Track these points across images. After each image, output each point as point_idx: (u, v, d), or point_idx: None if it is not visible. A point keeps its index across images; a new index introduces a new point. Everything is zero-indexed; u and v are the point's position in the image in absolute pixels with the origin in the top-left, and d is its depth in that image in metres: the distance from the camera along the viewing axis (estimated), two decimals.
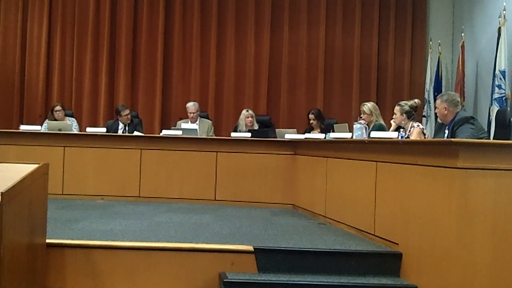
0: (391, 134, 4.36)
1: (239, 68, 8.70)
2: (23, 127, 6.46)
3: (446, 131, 4.61)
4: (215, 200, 6.13)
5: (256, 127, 7.19)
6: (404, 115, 5.38)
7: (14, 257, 2.90)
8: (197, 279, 3.53)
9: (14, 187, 2.83)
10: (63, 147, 6.19)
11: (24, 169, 3.13)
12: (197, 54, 8.66)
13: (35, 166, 3.22)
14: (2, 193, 2.72)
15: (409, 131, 5.28)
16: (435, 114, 7.38)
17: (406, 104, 5.47)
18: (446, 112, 4.62)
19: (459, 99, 4.73)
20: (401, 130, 5.21)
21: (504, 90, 6.31)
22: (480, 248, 3.03)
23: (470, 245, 3.04)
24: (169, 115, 8.56)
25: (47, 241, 3.47)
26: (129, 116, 7.15)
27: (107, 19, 8.59)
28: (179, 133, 6.35)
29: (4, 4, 8.60)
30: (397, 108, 5.45)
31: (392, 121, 5.54)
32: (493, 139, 5.10)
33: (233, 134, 6.52)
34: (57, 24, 8.64)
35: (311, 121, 7.03)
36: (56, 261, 3.53)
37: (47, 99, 8.53)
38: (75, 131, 6.90)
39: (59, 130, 6.38)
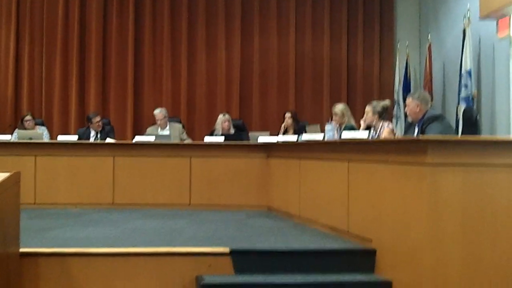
0: (362, 134, 4.43)
1: (210, 73, 8.73)
2: None
3: (416, 129, 4.71)
4: (190, 205, 6.13)
5: (232, 131, 7.20)
6: (376, 114, 5.47)
7: None
8: (175, 283, 3.52)
9: None
10: (34, 156, 6.12)
11: None
12: (168, 60, 8.66)
13: (6, 174, 3.19)
14: None
15: (380, 130, 5.38)
16: (405, 114, 7.56)
17: (378, 104, 5.56)
18: (417, 109, 4.71)
19: (429, 98, 4.84)
20: (372, 129, 5.30)
21: (471, 89, 6.46)
22: (450, 242, 3.10)
23: (441, 239, 3.10)
24: (141, 122, 8.53)
25: (21, 250, 3.43)
26: (100, 123, 7.11)
27: (76, 26, 8.54)
28: (151, 139, 6.34)
29: None
30: (368, 108, 5.53)
31: (362, 121, 5.61)
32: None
33: (207, 138, 6.53)
34: (25, 32, 8.55)
35: (286, 119, 7.02)
36: (31, 270, 3.48)
37: (17, 108, 8.43)
38: (46, 139, 6.82)
39: (30, 139, 6.30)
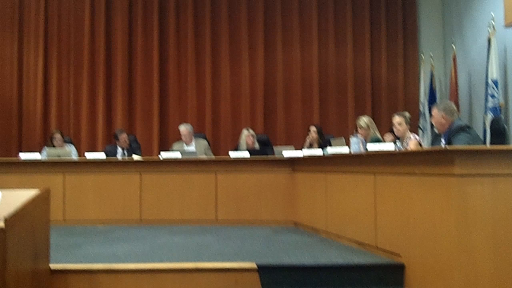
0: (387, 146, 4.39)
1: (235, 88, 8.78)
2: (22, 155, 6.48)
3: (443, 141, 4.65)
4: (216, 220, 6.14)
5: (257, 146, 7.21)
6: (407, 125, 5.45)
7: (19, 283, 2.90)
8: None
9: (16, 213, 2.86)
10: (62, 174, 6.22)
11: (25, 195, 3.16)
12: (193, 76, 8.74)
13: (37, 191, 3.25)
14: (5, 218, 2.75)
15: (406, 142, 5.32)
16: (431, 125, 7.48)
17: (406, 115, 5.53)
18: (443, 121, 4.66)
19: (455, 108, 4.78)
20: (397, 141, 5.25)
21: (497, 98, 6.37)
22: (481, 254, 3.04)
23: (471, 252, 3.05)
24: (167, 137, 8.61)
25: (51, 266, 3.47)
26: (126, 140, 7.20)
27: (102, 45, 8.70)
28: (178, 155, 6.38)
29: (0, 34, 8.70)
30: (400, 119, 5.47)
31: (395, 131, 5.52)
32: None
33: (232, 154, 6.55)
34: (53, 53, 8.74)
35: (311, 133, 7.00)
36: (60, 286, 3.53)
37: (45, 127, 8.59)
38: (74, 157, 6.93)
39: (58, 156, 6.40)
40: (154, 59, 8.71)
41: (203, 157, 6.73)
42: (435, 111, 4.76)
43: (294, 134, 8.58)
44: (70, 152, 6.89)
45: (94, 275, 3.56)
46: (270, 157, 6.40)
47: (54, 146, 7.11)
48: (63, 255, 3.97)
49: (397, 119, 5.48)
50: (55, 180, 6.13)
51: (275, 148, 6.76)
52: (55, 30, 8.76)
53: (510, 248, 3.03)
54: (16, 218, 2.85)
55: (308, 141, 7.02)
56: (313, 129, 7.06)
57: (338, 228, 4.82)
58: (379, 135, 6.06)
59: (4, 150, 8.04)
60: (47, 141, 7.71)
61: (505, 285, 3.02)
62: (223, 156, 6.86)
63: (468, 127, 4.52)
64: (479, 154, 3.12)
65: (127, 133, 7.42)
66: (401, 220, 3.68)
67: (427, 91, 8.32)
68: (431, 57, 8.43)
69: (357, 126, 6.12)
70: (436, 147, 4.33)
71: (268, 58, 8.82)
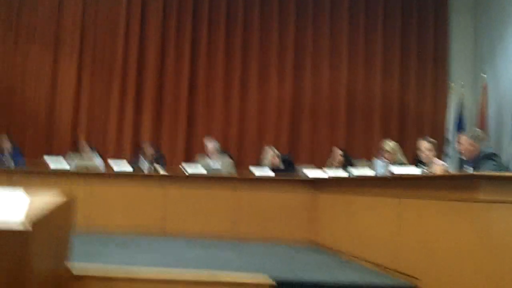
0: (413, 170, 4.37)
1: (262, 107, 8.85)
2: (47, 158, 6.55)
3: (470, 168, 4.61)
4: (237, 237, 6.14)
5: (281, 165, 7.22)
6: (434, 152, 5.42)
7: (41, 287, 2.95)
8: None
9: (43, 218, 2.91)
10: (90, 186, 6.31)
11: (52, 200, 3.22)
12: (221, 93, 8.85)
13: (63, 199, 3.31)
14: (32, 222, 2.80)
15: (431, 167, 5.28)
16: (459, 153, 7.41)
17: (433, 141, 5.51)
18: (471, 148, 4.63)
19: (483, 136, 4.75)
20: (423, 166, 5.21)
21: None
22: (506, 284, 2.99)
23: (495, 281, 2.99)
24: (192, 151, 8.67)
25: (72, 272, 3.51)
26: (152, 153, 7.28)
27: (134, 57, 8.89)
28: (203, 171, 6.43)
29: (38, 42, 8.92)
30: (429, 145, 5.43)
31: (423, 156, 5.48)
32: None
33: (255, 169, 6.54)
34: (87, 62, 8.96)
35: (338, 156, 6.97)
36: None
37: (75, 134, 8.75)
38: (101, 168, 7.02)
39: (86, 168, 6.51)
40: (184, 73, 8.85)
41: (227, 174, 6.76)
42: (463, 138, 4.73)
43: (319, 155, 8.57)
44: (98, 165, 7.00)
45: (113, 282, 3.59)
46: (294, 175, 6.40)
47: (81, 155, 7.21)
48: (85, 262, 4.00)
49: (426, 145, 5.45)
50: (81, 190, 6.22)
51: (299, 168, 6.77)
52: (91, 42, 8.98)
53: None
54: (41, 222, 2.90)
55: (332, 162, 6.99)
56: (339, 152, 7.03)
57: (359, 250, 4.78)
58: (405, 161, 6.02)
59: (34, 155, 8.18)
60: (75, 148, 7.83)
61: None
62: (246, 174, 6.88)
63: (495, 155, 4.48)
64: (504, 181, 3.08)
65: (153, 147, 7.50)
66: (423, 244, 3.64)
67: (456, 119, 8.25)
68: (462, 85, 8.36)
69: (383, 150, 6.09)
70: (462, 172, 4.28)
71: (297, 79, 8.88)
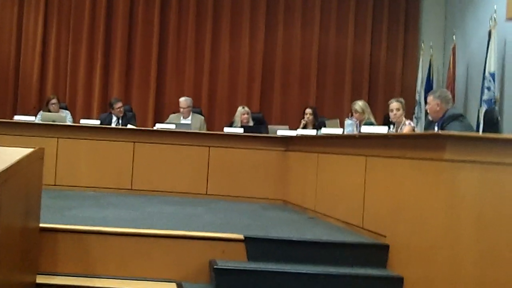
0: (381, 129, 4.43)
1: (233, 65, 8.78)
2: (17, 118, 6.47)
3: (436, 128, 4.70)
4: (206, 194, 6.17)
5: (251, 124, 7.25)
6: (404, 111, 5.51)
7: (9, 238, 2.93)
8: (188, 266, 3.58)
9: (10, 168, 2.87)
10: (56, 138, 6.21)
11: (20, 152, 3.18)
12: (192, 50, 8.73)
13: (31, 149, 3.27)
14: None
15: (401, 128, 5.37)
16: (425, 113, 7.53)
17: (402, 101, 5.58)
18: (438, 108, 4.70)
19: (450, 97, 4.82)
20: (391, 126, 5.30)
21: (494, 92, 6.41)
22: (466, 240, 3.09)
23: (456, 237, 3.09)
24: (163, 110, 8.61)
25: (41, 225, 3.50)
26: (121, 109, 7.20)
27: (102, 13, 8.64)
28: (172, 127, 6.40)
29: None
30: (397, 104, 5.52)
31: (392, 116, 5.57)
32: None
33: (227, 130, 6.58)
34: (53, 18, 8.67)
35: (307, 116, 7.03)
36: (49, 245, 3.56)
37: (42, 92, 8.56)
38: (69, 123, 6.93)
39: (53, 121, 6.41)
40: (154, 29, 8.68)
41: (197, 130, 6.76)
42: (430, 98, 4.80)
43: (290, 114, 8.60)
44: (65, 117, 6.90)
45: (83, 235, 3.60)
46: (263, 135, 6.43)
47: (50, 111, 7.10)
48: (53, 216, 3.99)
49: (395, 105, 5.54)
50: (48, 144, 6.07)
51: (270, 127, 6.80)
52: None
53: (494, 234, 3.08)
54: (9, 174, 2.87)
55: (303, 122, 7.05)
56: (308, 111, 7.10)
57: (327, 208, 4.88)
58: (373, 120, 6.10)
59: (0, 113, 8.01)
60: (42, 105, 7.69)
61: (487, 270, 3.08)
62: (217, 132, 6.89)
63: (462, 115, 4.57)
64: (470, 141, 3.16)
65: (122, 103, 7.41)
66: (389, 202, 3.73)
67: (425, 80, 8.34)
68: (431, 46, 8.44)
69: (352, 110, 6.16)
70: (429, 132, 4.37)
71: (268, 36, 8.81)
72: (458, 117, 4.49)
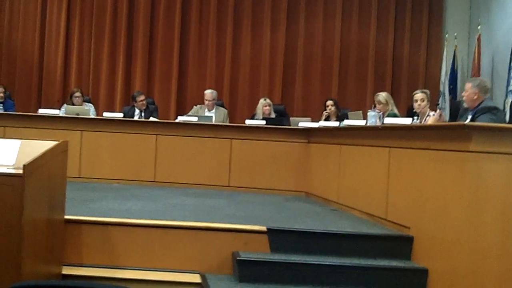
0: (404, 121, 4.38)
1: (254, 57, 8.76)
2: (42, 111, 6.56)
3: (469, 117, 4.60)
4: (229, 186, 6.19)
5: (273, 115, 7.23)
6: (429, 103, 5.43)
7: (34, 230, 2.98)
8: (211, 257, 3.59)
9: (35, 161, 2.92)
10: (80, 131, 6.28)
11: (44, 145, 3.22)
12: (213, 42, 8.73)
13: (55, 142, 3.31)
14: (24, 165, 2.81)
15: (425, 119, 5.30)
16: (450, 105, 7.44)
17: (427, 92, 5.51)
18: (475, 97, 4.61)
19: (489, 87, 4.71)
20: (415, 117, 5.23)
21: None
22: (490, 233, 3.05)
23: (480, 229, 3.06)
24: (185, 103, 8.64)
25: (66, 217, 3.55)
26: (144, 102, 7.24)
27: (125, 6, 8.68)
28: (194, 119, 6.42)
29: None
30: (422, 95, 5.44)
31: (416, 106, 5.49)
32: None
33: (248, 122, 6.57)
34: (75, 11, 8.74)
35: (328, 108, 6.96)
36: (74, 237, 3.61)
37: (65, 85, 8.65)
38: (93, 116, 7.00)
39: (77, 114, 6.47)
40: (176, 22, 8.69)
41: (219, 122, 6.77)
42: (469, 86, 4.69)
43: (312, 106, 8.56)
44: (89, 110, 6.97)
45: (107, 227, 3.64)
46: (285, 126, 6.42)
47: (73, 104, 7.18)
48: (78, 208, 4.04)
49: (419, 95, 5.46)
50: (72, 137, 6.15)
51: (292, 119, 6.78)
52: None
53: None
54: (34, 167, 2.91)
55: (325, 114, 7.00)
56: (330, 102, 7.03)
57: (350, 200, 4.85)
58: (397, 111, 6.04)
59: (24, 107, 8.11)
60: (66, 99, 7.78)
61: (511, 264, 3.03)
62: (239, 124, 6.88)
63: (496, 108, 4.47)
64: (496, 132, 3.11)
65: (145, 96, 7.46)
66: (413, 193, 3.69)
67: (449, 71, 8.22)
68: (456, 37, 8.31)
69: (375, 101, 6.09)
70: (454, 123, 4.30)
71: (290, 28, 8.76)
72: (492, 110, 4.39)
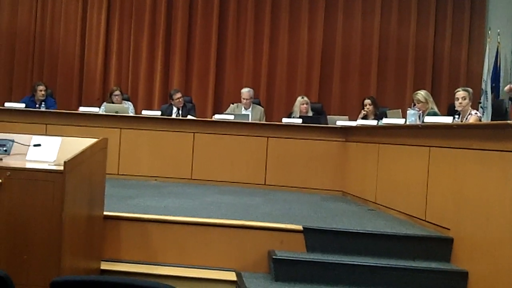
0: (445, 119, 4.29)
1: (292, 55, 8.72)
2: (82, 109, 6.69)
3: None
4: (265, 184, 6.19)
5: (310, 114, 7.19)
6: (470, 101, 5.30)
7: (74, 225, 3.04)
8: (247, 255, 3.60)
9: (76, 158, 2.97)
10: (119, 129, 6.38)
11: (85, 143, 3.28)
12: (251, 40, 8.73)
13: (95, 140, 3.36)
14: (65, 162, 2.87)
15: (466, 118, 5.18)
16: (492, 104, 7.25)
17: (470, 90, 5.38)
18: None
19: None
20: (456, 116, 5.11)
21: None
22: None
23: None
24: (221, 101, 8.68)
25: (104, 213, 3.61)
26: (181, 100, 7.29)
27: (163, 6, 8.77)
28: (231, 117, 6.44)
29: None
30: (464, 93, 5.31)
31: (457, 105, 5.37)
32: None
33: (285, 120, 6.55)
34: (115, 11, 8.89)
35: (366, 107, 6.88)
36: (112, 233, 3.67)
37: (105, 83, 8.81)
38: (131, 114, 7.09)
39: (116, 112, 6.57)
40: (214, 21, 8.74)
41: (256, 121, 6.76)
42: None
43: (349, 105, 8.47)
44: (128, 108, 7.06)
45: (145, 224, 3.68)
46: (323, 125, 6.37)
47: (113, 102, 7.30)
48: (116, 204, 4.10)
49: (461, 93, 5.33)
50: (111, 135, 6.25)
51: (329, 118, 6.72)
52: None
53: None
54: (75, 163, 2.97)
55: (363, 113, 6.91)
56: (368, 101, 6.93)
57: (388, 200, 4.78)
58: (437, 110, 5.91)
59: (66, 104, 8.28)
60: (106, 97, 7.92)
61: None
62: (275, 122, 6.87)
63: None
64: None
65: (182, 94, 7.52)
66: (454, 194, 3.61)
67: (491, 69, 8.01)
68: (499, 33, 8.08)
69: (414, 100, 5.97)
70: (497, 122, 4.18)
71: (328, 25, 8.69)
72: None
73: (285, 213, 4.33)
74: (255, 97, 7.79)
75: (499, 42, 8.02)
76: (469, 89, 5.43)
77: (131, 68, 8.83)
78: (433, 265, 3.48)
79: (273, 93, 8.72)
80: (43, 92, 7.24)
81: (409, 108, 5.18)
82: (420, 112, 5.69)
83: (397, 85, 8.59)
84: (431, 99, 5.93)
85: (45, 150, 3.36)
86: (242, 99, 7.26)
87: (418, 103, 5.89)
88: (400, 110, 5.54)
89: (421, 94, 5.94)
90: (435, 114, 5.60)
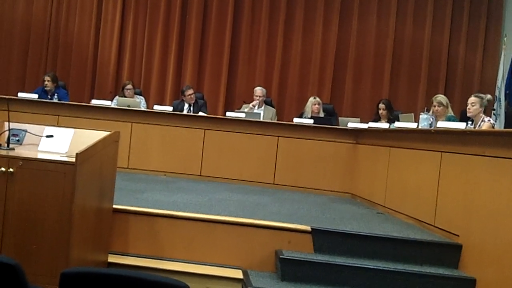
0: (458, 125, 4.26)
1: (305, 55, 8.69)
2: (94, 102, 6.71)
3: None
4: (274, 183, 6.19)
5: (322, 115, 7.17)
6: (482, 108, 5.23)
7: (83, 217, 3.05)
8: (254, 254, 3.60)
9: (87, 150, 2.99)
10: (130, 123, 6.39)
11: (97, 135, 3.29)
12: (264, 40, 8.71)
13: (107, 133, 3.38)
14: (77, 154, 2.88)
15: (479, 124, 5.13)
16: (505, 111, 7.19)
17: (485, 97, 5.30)
18: None
19: None
20: (469, 122, 5.07)
21: None
22: None
23: None
24: (233, 99, 8.67)
25: (114, 206, 3.62)
26: (192, 96, 7.30)
27: (178, 2, 8.78)
28: (242, 115, 6.44)
29: None
30: (476, 99, 5.25)
31: (467, 111, 5.31)
32: None
33: (296, 120, 6.54)
34: (130, 5, 8.90)
35: (380, 111, 6.83)
36: (121, 226, 3.68)
37: (118, 77, 8.83)
38: (143, 108, 7.11)
39: (128, 106, 6.59)
40: (228, 18, 8.73)
41: (267, 120, 6.76)
42: None
43: (361, 107, 8.44)
44: (140, 103, 7.08)
45: (153, 218, 3.69)
46: (334, 126, 6.35)
47: (125, 96, 7.32)
48: (125, 198, 4.11)
49: (471, 99, 5.27)
50: (122, 128, 6.27)
51: (341, 119, 6.71)
52: None
53: None
54: (86, 155, 2.98)
55: (376, 116, 6.86)
56: (381, 106, 6.86)
57: (397, 204, 4.76)
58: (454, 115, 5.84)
59: (78, 97, 8.32)
60: (118, 91, 7.95)
61: None
62: (286, 122, 6.86)
63: None
64: None
65: (194, 90, 7.53)
66: (464, 200, 3.59)
67: (506, 76, 7.94)
68: None
69: (435, 102, 5.80)
70: (510, 130, 4.15)
71: (342, 27, 8.65)
72: None
73: (293, 213, 4.33)
74: (267, 97, 7.79)
75: None
76: (483, 95, 5.35)
77: (144, 63, 8.85)
78: (441, 271, 3.47)
79: (285, 92, 8.71)
80: (46, 82, 7.22)
81: (422, 112, 5.13)
82: (434, 116, 5.62)
83: (410, 88, 8.55)
84: (449, 104, 5.87)
85: (57, 141, 3.38)
86: (254, 97, 7.26)
87: (439, 107, 5.72)
88: (412, 114, 5.50)
89: (443, 97, 5.83)
90: (454, 120, 5.52)
